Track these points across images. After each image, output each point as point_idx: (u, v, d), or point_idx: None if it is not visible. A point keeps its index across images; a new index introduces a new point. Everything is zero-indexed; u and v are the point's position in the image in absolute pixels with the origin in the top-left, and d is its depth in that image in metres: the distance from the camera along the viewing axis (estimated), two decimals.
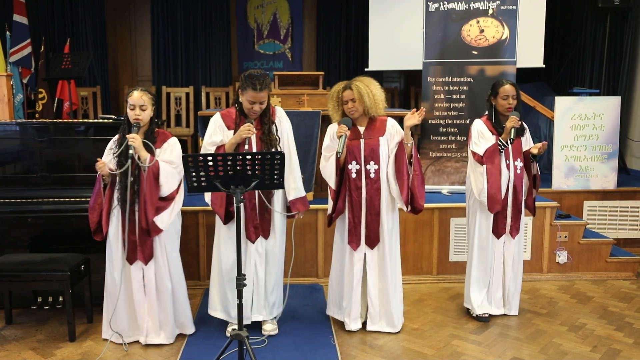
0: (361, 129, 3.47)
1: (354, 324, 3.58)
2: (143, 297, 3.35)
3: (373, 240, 3.48)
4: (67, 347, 3.40)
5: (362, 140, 3.45)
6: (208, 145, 3.36)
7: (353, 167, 3.45)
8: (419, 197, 3.42)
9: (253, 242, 3.39)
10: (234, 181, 2.80)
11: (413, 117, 3.37)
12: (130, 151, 3.14)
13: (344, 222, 3.54)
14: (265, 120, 3.36)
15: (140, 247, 3.28)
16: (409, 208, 3.45)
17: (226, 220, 3.37)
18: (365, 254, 3.52)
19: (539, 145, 3.61)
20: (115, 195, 3.28)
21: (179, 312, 3.47)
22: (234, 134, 3.30)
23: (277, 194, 3.44)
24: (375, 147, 3.44)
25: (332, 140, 3.47)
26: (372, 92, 3.40)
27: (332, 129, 3.51)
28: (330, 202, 3.55)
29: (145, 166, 3.19)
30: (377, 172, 3.45)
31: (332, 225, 3.60)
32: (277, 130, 3.40)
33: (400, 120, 3.51)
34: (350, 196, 3.47)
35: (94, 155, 3.24)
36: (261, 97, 3.25)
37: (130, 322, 3.40)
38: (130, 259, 3.29)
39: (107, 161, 3.27)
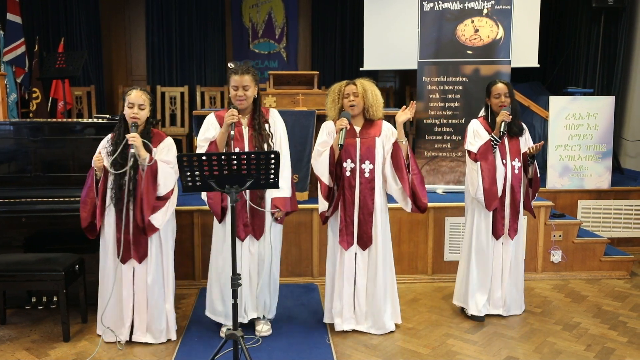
0: (357, 128, 3.46)
1: (346, 324, 3.54)
2: (131, 295, 3.34)
3: (365, 241, 3.46)
4: (61, 347, 3.39)
5: (358, 139, 3.45)
6: (201, 141, 3.37)
7: (348, 165, 3.44)
8: (420, 195, 3.41)
9: (242, 240, 3.37)
10: (229, 180, 2.80)
11: (404, 113, 3.39)
12: (132, 150, 3.15)
13: (336, 221, 3.52)
14: (256, 116, 3.37)
15: (134, 246, 3.28)
16: (413, 207, 3.44)
17: (222, 217, 3.37)
18: (355, 254, 3.49)
19: (534, 145, 3.63)
20: (109, 194, 3.28)
21: (168, 313, 3.43)
22: None
23: (268, 196, 3.40)
24: (371, 146, 3.43)
25: (329, 136, 3.46)
26: (374, 92, 3.43)
27: (328, 126, 3.49)
28: (322, 200, 3.48)
29: (145, 165, 3.20)
30: (372, 171, 3.44)
31: (326, 223, 3.56)
32: (269, 127, 3.40)
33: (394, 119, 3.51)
34: (344, 195, 3.45)
35: (88, 155, 3.23)
36: (244, 81, 3.27)
37: (117, 320, 3.38)
38: (124, 258, 3.29)
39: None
